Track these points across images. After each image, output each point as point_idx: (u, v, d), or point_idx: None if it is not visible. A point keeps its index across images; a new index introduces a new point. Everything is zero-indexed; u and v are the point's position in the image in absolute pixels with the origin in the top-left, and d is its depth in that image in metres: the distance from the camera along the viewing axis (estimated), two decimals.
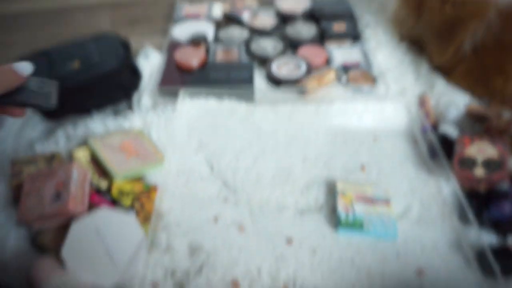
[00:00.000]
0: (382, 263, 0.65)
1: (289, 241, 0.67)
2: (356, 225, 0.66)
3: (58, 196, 0.62)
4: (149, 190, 0.71)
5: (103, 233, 0.61)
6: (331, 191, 0.75)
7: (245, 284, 0.61)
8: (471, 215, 0.68)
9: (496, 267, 0.60)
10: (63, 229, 0.62)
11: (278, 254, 0.65)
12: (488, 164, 0.71)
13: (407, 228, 0.70)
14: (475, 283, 0.63)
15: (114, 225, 0.62)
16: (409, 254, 0.66)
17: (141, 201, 0.69)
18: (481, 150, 0.73)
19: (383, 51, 1.06)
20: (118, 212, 0.64)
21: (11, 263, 0.62)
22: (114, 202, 0.69)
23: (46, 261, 0.57)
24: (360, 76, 0.97)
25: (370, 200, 0.70)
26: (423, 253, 0.67)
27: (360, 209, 0.68)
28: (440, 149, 0.78)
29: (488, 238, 0.69)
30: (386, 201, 0.70)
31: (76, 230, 0.60)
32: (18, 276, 0.60)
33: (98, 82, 0.86)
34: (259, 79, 0.99)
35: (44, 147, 0.81)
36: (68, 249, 0.59)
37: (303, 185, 0.76)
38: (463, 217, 0.71)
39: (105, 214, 0.62)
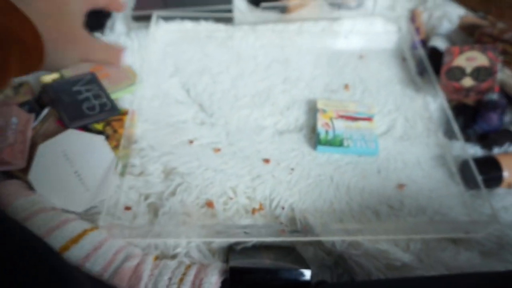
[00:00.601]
0: (362, 179, 0.63)
1: (266, 161, 0.65)
2: (335, 142, 0.63)
3: None
4: (122, 114, 0.68)
5: (72, 156, 0.59)
6: (312, 111, 0.72)
7: (220, 205, 0.60)
8: (456, 129, 0.65)
9: (478, 177, 0.58)
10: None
11: (255, 174, 0.63)
12: (478, 72, 0.67)
13: (390, 144, 0.67)
14: (457, 194, 0.62)
15: (82, 147, 0.59)
16: (391, 170, 0.64)
17: (113, 126, 0.67)
18: (470, 59, 0.68)
19: None
20: (86, 133, 0.61)
21: None
22: (85, 128, 0.67)
23: (12, 183, 0.56)
24: None
25: (351, 117, 0.67)
26: (405, 168, 0.65)
27: (340, 126, 0.65)
28: (428, 63, 0.74)
29: (473, 152, 0.67)
30: (369, 118, 0.67)
31: (43, 153, 0.58)
32: None
33: None
34: (239, 0, 0.92)
35: None
36: (35, 173, 0.57)
37: (283, 106, 0.73)
38: (449, 132, 0.68)
39: (73, 136, 0.60)
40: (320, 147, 0.64)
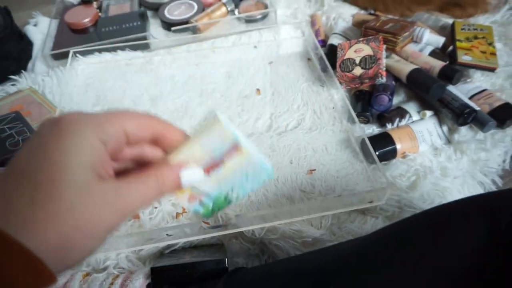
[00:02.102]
0: (276, 171, 0.69)
1: None
2: (220, 204, 0.39)
3: None
4: None
5: None
6: (229, 118, 0.77)
7: (145, 215, 0.63)
8: (354, 114, 0.72)
9: (373, 152, 0.65)
10: None
11: None
12: (365, 61, 0.75)
13: (299, 137, 0.74)
14: (361, 170, 0.68)
15: None
16: (302, 159, 0.71)
17: None
18: (358, 50, 0.77)
19: None
20: None
21: None
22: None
23: None
24: (252, 6, 0.98)
25: (215, 164, 0.36)
26: (314, 155, 0.71)
27: (212, 187, 0.37)
28: (327, 60, 0.82)
29: (371, 131, 0.75)
30: (234, 147, 0.35)
31: None
32: None
33: None
34: (154, 28, 0.98)
35: None
36: None
37: (200, 117, 0.78)
38: (351, 118, 0.75)
39: None
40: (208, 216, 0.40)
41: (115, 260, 0.58)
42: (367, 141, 0.67)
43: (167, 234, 0.58)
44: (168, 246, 0.61)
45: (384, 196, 0.63)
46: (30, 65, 0.91)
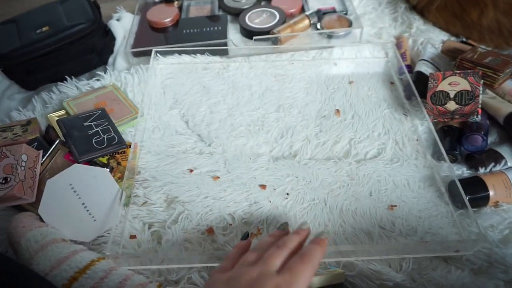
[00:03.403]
0: (355, 202, 0.66)
1: (262, 186, 0.68)
2: None
3: (6, 180, 0.61)
4: (127, 147, 0.72)
5: (79, 189, 0.62)
6: (306, 138, 0.75)
7: (219, 230, 0.63)
8: (443, 151, 0.68)
9: (465, 197, 0.61)
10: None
11: (252, 200, 0.66)
12: (461, 96, 0.70)
13: (380, 167, 0.71)
14: (446, 214, 0.64)
15: (88, 180, 0.63)
16: (382, 192, 0.67)
17: (117, 158, 0.71)
18: (453, 84, 0.72)
19: None
20: (90, 167, 0.65)
21: None
22: (90, 161, 0.70)
23: (24, 215, 0.59)
24: (335, 21, 0.94)
25: None
26: (395, 190, 0.68)
27: None
28: (414, 88, 0.77)
29: (460, 172, 0.70)
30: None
31: (51, 187, 0.62)
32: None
33: (69, 44, 0.85)
34: (233, 33, 0.97)
35: (21, 115, 0.82)
36: (45, 207, 0.60)
37: (277, 133, 0.76)
38: (436, 154, 0.71)
39: (78, 170, 0.64)
40: None
41: (188, 273, 0.58)
42: (458, 183, 0.62)
43: None
44: None
45: (474, 247, 0.58)
46: (111, 59, 0.93)
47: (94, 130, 0.71)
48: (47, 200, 0.61)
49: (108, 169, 0.67)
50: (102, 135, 0.70)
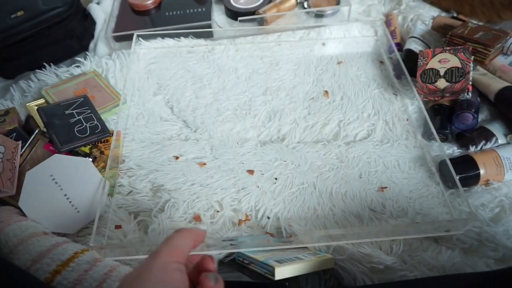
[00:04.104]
0: (344, 185, 0.65)
1: (250, 172, 0.66)
2: None
3: None
4: (110, 135, 0.70)
5: (60, 180, 0.60)
6: (295, 121, 0.73)
7: (207, 218, 0.61)
8: (434, 130, 0.66)
9: (455, 176, 0.60)
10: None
11: (240, 186, 0.65)
12: (451, 73, 0.69)
13: (370, 149, 0.69)
14: (437, 194, 0.63)
15: (69, 171, 0.61)
16: (372, 174, 0.66)
17: (100, 147, 0.68)
18: (443, 61, 0.70)
19: None
20: (71, 157, 0.63)
21: None
22: (72, 151, 0.68)
23: (3, 209, 0.57)
24: (322, 0, 0.92)
25: None
26: (386, 171, 0.66)
27: None
28: (404, 67, 0.76)
29: (450, 151, 0.69)
30: None
31: (31, 179, 0.60)
32: None
33: (47, 28, 0.82)
34: (218, 15, 0.94)
35: (0, 105, 0.79)
36: (25, 199, 0.58)
37: (264, 117, 0.75)
38: (427, 133, 0.70)
39: (59, 161, 0.61)
40: None
41: None
42: (449, 163, 0.61)
43: (231, 244, 0.56)
44: (229, 254, 0.58)
45: (465, 227, 0.58)
46: (91, 45, 0.90)
47: (76, 119, 0.68)
48: (27, 192, 0.59)
49: (91, 159, 0.65)
50: (84, 124, 0.68)
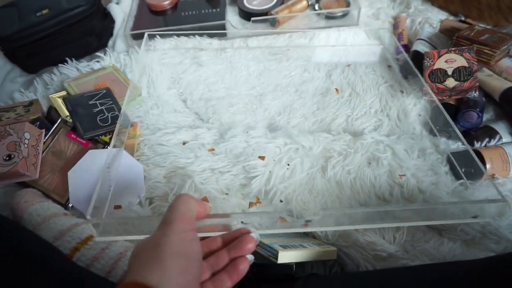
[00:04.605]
0: (353, 171, 0.66)
1: (260, 157, 0.68)
2: None
3: (10, 157, 0.63)
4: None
5: (102, 173, 0.61)
6: (304, 116, 0.76)
7: (216, 202, 0.63)
8: (439, 128, 0.68)
9: (460, 170, 0.62)
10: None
11: (249, 170, 0.66)
12: (459, 73, 0.71)
13: (378, 137, 0.70)
14: (444, 185, 0.64)
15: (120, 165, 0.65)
16: (381, 161, 0.67)
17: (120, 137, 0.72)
18: (449, 61, 0.72)
19: None
20: (104, 150, 0.67)
21: None
22: (92, 139, 0.71)
23: (27, 191, 0.61)
24: (333, 2, 0.95)
25: None
26: (395, 159, 0.67)
27: None
28: (411, 66, 0.78)
29: (456, 147, 0.70)
30: None
31: (73, 178, 0.63)
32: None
33: (68, 26, 0.86)
34: (231, 15, 0.98)
35: (24, 97, 0.83)
36: (74, 197, 0.62)
37: (274, 112, 0.77)
38: (433, 132, 0.71)
39: (93, 156, 0.65)
40: None
41: None
42: (471, 151, 0.61)
43: (242, 222, 0.57)
44: None
45: (494, 211, 0.57)
46: (110, 42, 0.94)
47: (98, 109, 0.72)
48: (73, 191, 0.63)
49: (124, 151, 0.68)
50: (106, 113, 0.71)
